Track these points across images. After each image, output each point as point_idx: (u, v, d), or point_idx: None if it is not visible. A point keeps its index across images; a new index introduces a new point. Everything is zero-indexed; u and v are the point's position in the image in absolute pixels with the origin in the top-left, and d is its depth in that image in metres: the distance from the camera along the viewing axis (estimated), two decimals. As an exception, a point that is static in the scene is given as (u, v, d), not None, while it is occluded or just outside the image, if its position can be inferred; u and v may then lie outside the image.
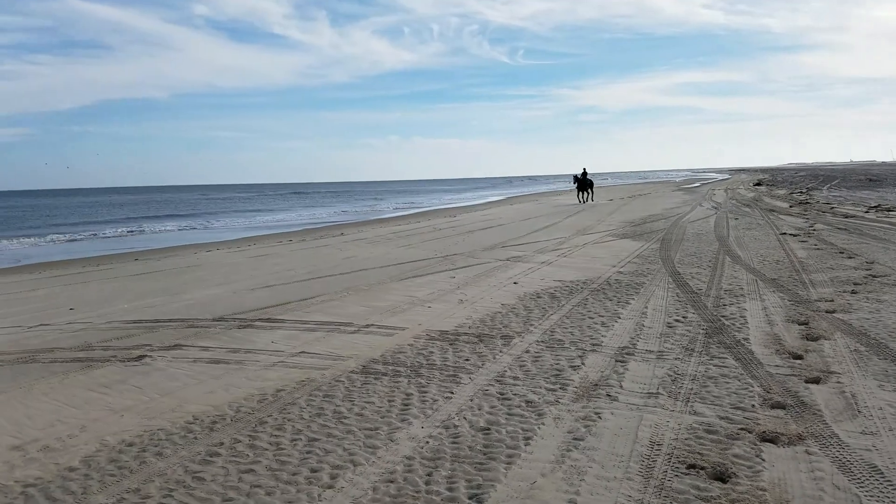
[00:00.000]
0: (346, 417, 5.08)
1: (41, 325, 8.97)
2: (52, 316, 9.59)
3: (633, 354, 6.50)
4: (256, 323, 8.48)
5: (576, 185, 37.88)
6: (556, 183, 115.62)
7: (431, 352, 6.81)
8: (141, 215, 53.14)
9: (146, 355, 7.04)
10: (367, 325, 8.08)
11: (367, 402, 5.39)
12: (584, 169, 37.68)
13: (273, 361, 6.67)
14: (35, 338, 8.17)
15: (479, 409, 5.15)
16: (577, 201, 36.70)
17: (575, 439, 4.57)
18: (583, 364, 6.23)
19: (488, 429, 4.77)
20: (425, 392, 5.58)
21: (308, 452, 4.47)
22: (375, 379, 5.99)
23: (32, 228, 40.66)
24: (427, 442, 4.58)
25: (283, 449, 4.54)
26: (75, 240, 31.31)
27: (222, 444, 4.65)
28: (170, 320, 8.89)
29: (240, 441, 4.69)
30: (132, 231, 35.51)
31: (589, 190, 37.65)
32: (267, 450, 4.53)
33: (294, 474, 4.16)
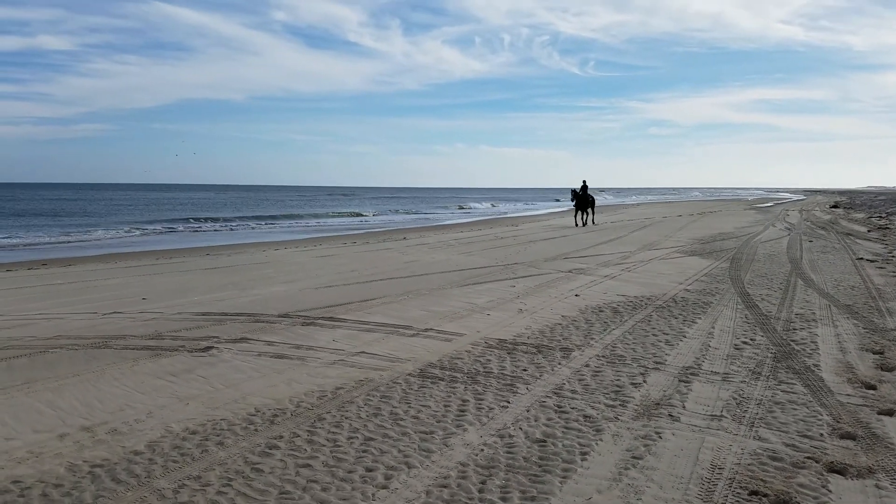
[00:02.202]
0: (402, 419, 5.08)
1: (115, 312, 9.41)
2: (126, 304, 10.05)
3: (697, 375, 6.26)
4: (319, 321, 8.63)
5: (573, 202, 29.57)
6: (623, 196, 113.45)
7: (489, 360, 6.76)
8: (216, 213, 55.29)
9: (213, 347, 7.27)
10: (426, 329, 8.10)
11: (424, 406, 5.38)
12: (585, 182, 29.35)
13: (333, 359, 6.77)
14: (109, 324, 8.57)
15: (536, 421, 5.06)
16: (574, 224, 29.10)
17: (634, 457, 4.43)
18: (644, 382, 6.04)
19: (544, 441, 4.68)
20: (481, 399, 5.54)
21: (364, 451, 4.49)
22: (432, 383, 5.98)
23: (111, 220, 42.98)
24: (482, 450, 4.53)
25: (339, 446, 4.58)
26: (155, 232, 32.86)
27: (281, 437, 4.74)
28: (237, 314, 9.16)
29: (298, 436, 4.76)
30: (205, 226, 36.96)
31: (589, 210, 29.73)
32: (324, 446, 4.58)
33: (349, 472, 4.19)
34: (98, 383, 5.98)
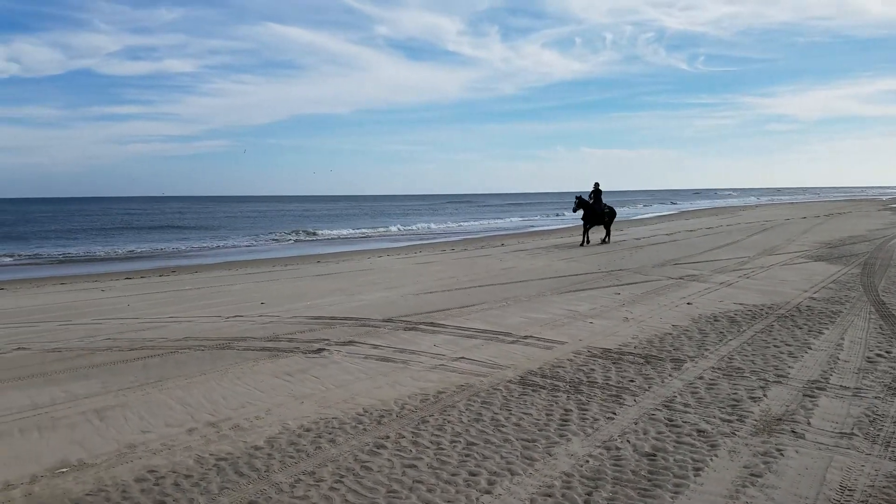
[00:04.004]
0: (503, 426, 5.09)
1: (236, 315, 10.07)
2: (246, 308, 10.73)
3: (824, 389, 5.81)
4: (420, 326, 8.81)
5: (580, 212, 21.95)
6: (739, 197, 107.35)
7: (592, 369, 6.62)
8: (329, 223, 57.90)
9: (324, 349, 7.61)
10: (526, 337, 8.05)
11: (525, 414, 5.35)
12: (597, 185, 22.26)
13: (435, 364, 6.89)
14: (231, 327, 9.19)
15: (645, 434, 4.89)
16: (583, 239, 22.01)
17: (752, 475, 4.18)
18: (765, 396, 5.68)
19: (654, 455, 4.52)
20: (585, 410, 5.43)
21: (466, 456, 4.54)
22: (533, 391, 5.94)
23: (231, 230, 46.10)
24: (587, 461, 4.44)
25: (443, 449, 4.65)
26: (271, 241, 34.93)
27: (388, 437, 4.88)
28: (345, 318, 9.54)
29: (404, 437, 4.89)
30: (317, 235, 38.80)
31: (604, 223, 22.43)
32: (428, 448, 4.68)
33: (453, 475, 4.24)
34: (222, 382, 6.43)
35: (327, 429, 5.10)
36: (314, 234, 39.99)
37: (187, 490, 4.10)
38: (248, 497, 3.99)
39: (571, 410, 5.41)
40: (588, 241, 22.08)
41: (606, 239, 22.83)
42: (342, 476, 4.26)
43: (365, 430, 5.07)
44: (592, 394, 5.83)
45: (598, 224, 22.42)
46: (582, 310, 9.77)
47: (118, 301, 12.14)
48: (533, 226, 43.82)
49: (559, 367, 6.71)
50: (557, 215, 60.62)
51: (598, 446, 4.68)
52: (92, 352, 7.79)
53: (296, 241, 35.54)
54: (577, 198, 22.25)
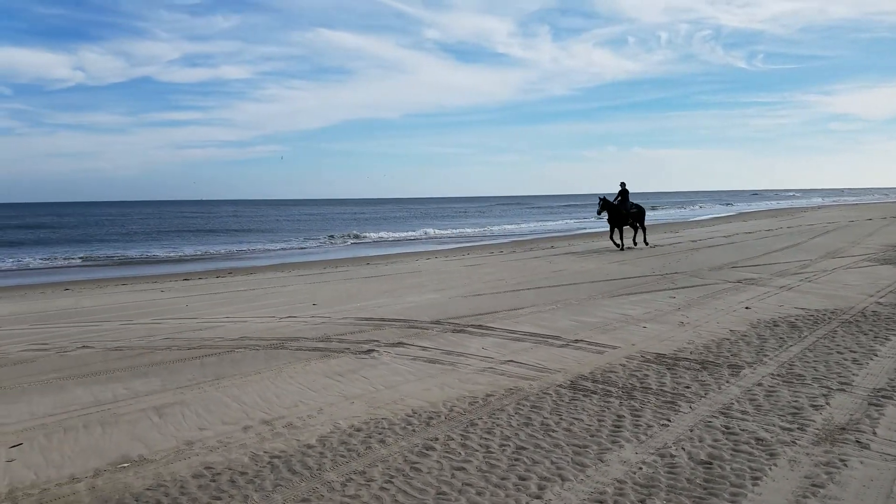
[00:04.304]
0: (553, 431, 5.03)
1: (290, 316, 10.28)
2: (299, 309, 10.94)
3: (891, 398, 5.52)
4: (469, 328, 8.80)
5: (604, 214, 20.52)
6: (799, 198, 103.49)
7: (646, 374, 6.47)
8: (374, 225, 58.57)
9: (374, 350, 7.69)
10: (576, 341, 7.94)
11: (576, 419, 5.28)
12: (624, 186, 20.75)
13: (483, 367, 6.86)
14: (284, 327, 9.38)
15: (700, 441, 4.75)
16: (613, 243, 20.75)
17: (814, 485, 4.01)
18: (827, 404, 5.45)
19: (710, 463, 4.39)
20: (639, 416, 5.31)
21: (516, 460, 4.50)
22: (584, 396, 5.85)
23: (285, 233, 47.17)
24: (640, 468, 4.34)
25: (492, 452, 4.63)
26: (323, 243, 35.57)
27: (437, 439, 4.89)
28: (394, 320, 9.61)
29: (452, 439, 4.89)
30: (366, 238, 39.31)
31: (637, 225, 21.21)
32: (477, 451, 4.66)
33: (503, 479, 4.22)
34: (276, 381, 6.57)
35: (377, 429, 5.15)
36: (363, 236, 40.52)
37: (242, 487, 4.20)
38: (301, 495, 4.06)
39: (624, 416, 5.31)
40: (622, 246, 20.59)
41: (644, 240, 21.40)
42: (392, 476, 4.29)
43: (414, 431, 5.09)
44: (646, 400, 5.70)
45: (624, 224, 20.89)
46: (635, 314, 9.57)
47: (177, 301, 12.57)
48: (584, 228, 43.25)
49: (611, 372, 6.59)
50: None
51: (652, 453, 4.57)
52: (152, 350, 8.08)
53: (345, 243, 36.09)
54: (600, 199, 20.64)
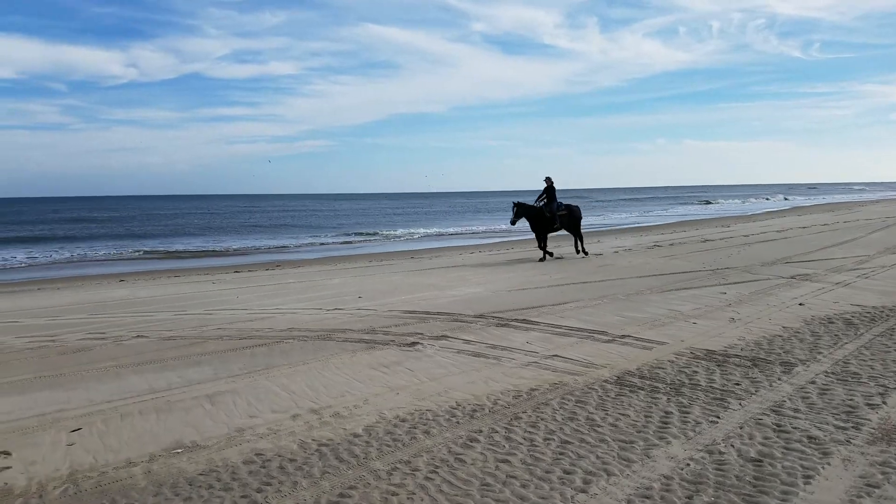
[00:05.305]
0: (599, 426, 4.98)
1: (336, 308, 10.45)
2: (345, 302, 11.10)
3: (960, 401, 5.27)
4: (513, 322, 8.78)
5: (514, 220, 17.46)
6: (858, 192, 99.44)
7: (695, 371, 6.34)
8: (419, 218, 58.91)
9: (418, 342, 7.76)
10: (623, 336, 7.84)
11: (622, 414, 5.22)
12: (549, 180, 17.08)
13: (527, 361, 6.84)
14: (331, 319, 9.54)
15: (750, 439, 4.64)
16: (543, 253, 17.01)
17: (868, 485, 3.87)
18: (884, 403, 5.24)
19: (760, 461, 4.28)
20: (687, 413, 5.22)
21: (561, 454, 4.48)
22: (631, 392, 5.77)
23: (332, 227, 47.90)
24: (688, 464, 4.27)
25: (536, 446, 4.62)
26: (368, 237, 36.00)
27: (481, 431, 4.91)
28: (438, 313, 9.66)
29: (497, 432, 4.90)
30: (411, 232, 39.58)
31: (562, 228, 17.29)
32: (521, 444, 4.66)
33: (547, 472, 4.21)
34: (323, 371, 6.70)
35: (422, 420, 5.20)
36: (409, 231, 40.79)
37: (291, 473, 4.31)
38: (349, 482, 4.14)
39: (672, 413, 5.22)
40: (547, 255, 16.87)
41: (581, 248, 17.40)
42: (437, 467, 4.32)
43: (458, 423, 5.12)
44: (695, 396, 5.59)
45: (551, 230, 17.08)
46: (684, 309, 9.38)
47: (227, 293, 12.92)
48: (636, 222, 42.55)
49: (659, 368, 6.48)
50: (663, 210, 58.52)
51: (700, 450, 4.49)
52: (204, 340, 8.34)
53: (390, 238, 36.41)
54: (514, 204, 17.17)
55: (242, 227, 52.46)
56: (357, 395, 5.89)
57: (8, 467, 4.49)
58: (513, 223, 17.76)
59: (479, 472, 4.22)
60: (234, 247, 31.68)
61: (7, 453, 4.73)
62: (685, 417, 5.11)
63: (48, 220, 64.34)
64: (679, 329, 8.15)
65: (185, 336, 8.65)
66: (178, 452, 4.72)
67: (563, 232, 17.77)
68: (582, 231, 17.91)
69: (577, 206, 17.77)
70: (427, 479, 4.15)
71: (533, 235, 18.01)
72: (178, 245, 33.25)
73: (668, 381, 6.02)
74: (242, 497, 3.99)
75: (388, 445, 4.71)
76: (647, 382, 6.01)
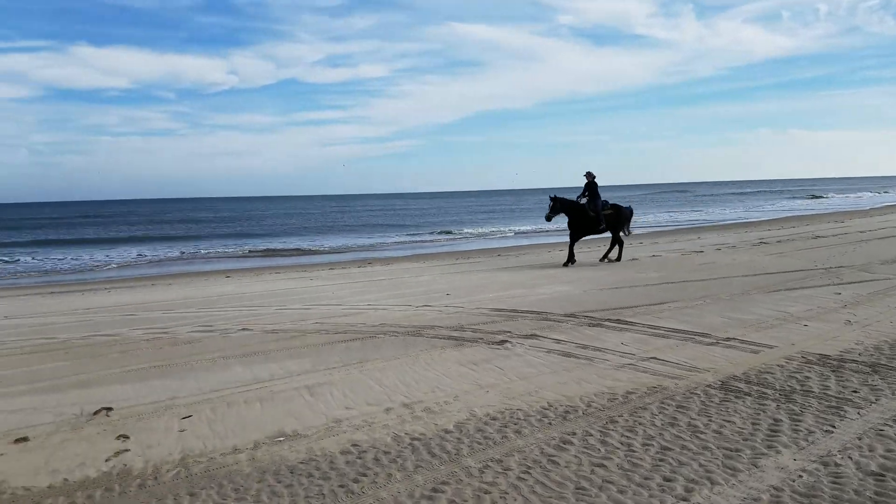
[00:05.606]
0: (701, 432, 4.74)
1: (425, 305, 10.56)
2: (433, 299, 11.21)
3: None
4: (606, 322, 8.54)
5: (550, 218, 15.70)
6: None
7: (807, 377, 5.92)
8: (508, 216, 58.74)
9: (507, 341, 7.70)
10: (727, 339, 7.43)
11: (727, 421, 4.94)
12: (590, 175, 15.70)
13: (623, 363, 6.63)
14: (420, 315, 9.65)
15: (871, 451, 4.27)
16: (569, 258, 15.59)
17: None
18: None
19: (882, 475, 3.93)
20: (798, 421, 4.87)
21: (660, 460, 4.30)
22: (736, 397, 5.46)
23: (419, 225, 48.63)
24: (800, 476, 3.98)
25: (634, 451, 4.46)
26: (453, 235, 36.28)
27: (574, 434, 4.80)
28: (527, 311, 9.56)
29: (591, 435, 4.77)
30: (498, 230, 39.52)
31: (617, 232, 15.91)
32: (618, 448, 4.51)
33: (646, 478, 4.05)
34: (414, 366, 6.78)
35: (512, 419, 5.14)
36: (496, 229, 40.71)
37: (386, 465, 4.38)
38: (441, 477, 4.16)
39: (782, 421, 4.89)
40: (573, 260, 15.48)
41: (615, 255, 15.96)
42: (529, 467, 4.26)
43: (550, 424, 5.03)
44: (807, 404, 5.22)
45: (592, 232, 15.68)
46: (794, 311, 8.79)
47: (323, 289, 13.37)
48: (741, 217, 40.47)
49: (767, 372, 6.10)
50: (769, 205, 55.38)
51: (814, 461, 4.18)
52: (303, 333, 8.66)
53: (477, 235, 36.49)
54: (551, 198, 15.49)
55: (335, 226, 54.30)
56: (447, 392, 5.92)
57: (127, 450, 4.84)
58: (548, 219, 15.77)
59: (574, 476, 4.12)
60: (328, 245, 32.83)
61: (126, 437, 5.10)
62: (796, 426, 4.78)
63: (158, 221, 69.33)
64: (789, 332, 7.65)
65: (285, 329, 9.02)
66: (280, 440, 4.91)
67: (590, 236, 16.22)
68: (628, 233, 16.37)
69: (627, 207, 16.38)
70: (519, 479, 4.10)
71: (649, 232, 17.54)
72: (277, 244, 34.85)
73: (778, 387, 5.65)
74: (340, 486, 4.10)
75: (479, 443, 4.69)
76: (755, 388, 5.67)
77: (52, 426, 5.41)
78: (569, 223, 15.78)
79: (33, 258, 29.62)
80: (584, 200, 15.63)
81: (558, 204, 15.48)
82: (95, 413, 5.69)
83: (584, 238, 15.99)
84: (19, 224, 67.37)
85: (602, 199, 15.76)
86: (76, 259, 28.91)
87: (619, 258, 15.93)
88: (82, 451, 4.84)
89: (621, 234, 16.01)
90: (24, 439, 5.11)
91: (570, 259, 15.66)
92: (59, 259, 29.06)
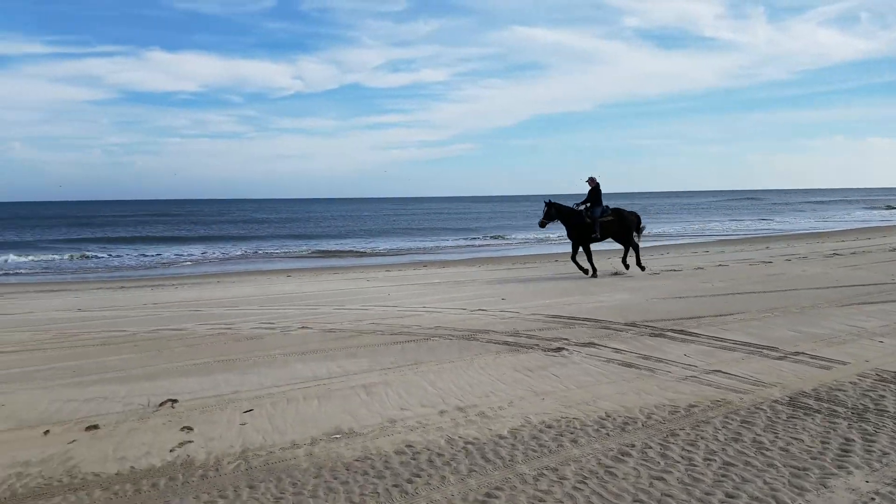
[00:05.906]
0: (767, 449, 4.55)
1: (480, 309, 10.54)
2: (488, 303, 11.17)
3: None
4: (668, 333, 8.31)
5: (543, 224, 14.93)
6: None
7: (882, 395, 5.60)
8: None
9: (564, 348, 7.59)
10: (796, 353, 7.11)
11: (794, 438, 4.72)
12: (594, 180, 14.89)
13: (685, 375, 6.43)
14: (475, 320, 9.63)
15: (956, 479, 4.00)
16: (577, 267, 14.99)
17: None
18: None
19: (971, 507, 3.67)
20: (872, 441, 4.61)
21: (723, 476, 4.14)
22: (805, 414, 5.21)
23: (474, 230, 48.66)
24: (872, 499, 3.77)
25: (695, 466, 4.31)
26: (510, 239, 36.14)
27: (633, 446, 4.68)
28: (584, 319, 9.41)
29: (650, 447, 4.64)
30: (554, 234, 39.12)
31: (633, 240, 15.08)
32: (678, 462, 4.37)
33: (707, 493, 3.90)
34: (468, 370, 6.77)
35: (569, 428, 5.06)
36: (552, 233, 40.27)
37: (439, 468, 4.38)
38: (494, 483, 4.13)
39: (853, 440, 4.64)
40: (592, 270, 14.64)
41: (628, 260, 15.08)
42: (586, 477, 4.18)
43: (608, 434, 4.92)
44: (881, 423, 4.93)
45: (588, 241, 14.71)
46: (869, 326, 8.34)
47: (380, 291, 13.54)
48: (812, 227, 38.81)
49: (839, 389, 5.80)
50: (845, 214, 52.97)
51: (888, 483, 3.94)
52: (360, 333, 8.79)
53: (535, 240, 36.18)
54: (546, 203, 14.74)
55: (393, 229, 54.95)
56: (501, 397, 5.87)
57: (190, 441, 5.01)
58: (542, 225, 14.81)
59: (632, 488, 4.01)
60: (385, 247, 33.26)
61: (190, 428, 5.29)
62: (869, 446, 4.52)
63: (222, 221, 71.79)
64: (862, 348, 7.25)
65: (343, 329, 9.17)
66: (337, 438, 4.99)
67: (599, 245, 15.37)
68: (638, 241, 15.32)
69: (632, 212, 15.44)
70: (575, 488, 4.02)
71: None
72: (336, 245, 35.54)
73: (850, 405, 5.37)
74: (394, 486, 4.13)
75: (534, 450, 4.63)
76: (825, 405, 5.40)
77: (120, 415, 5.67)
78: (568, 233, 15.03)
79: (108, 254, 31.23)
80: (583, 207, 14.86)
81: (553, 209, 14.68)
82: (161, 404, 5.92)
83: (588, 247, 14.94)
84: (90, 221, 71.16)
85: (603, 206, 14.90)
86: (145, 255, 30.30)
87: (626, 265, 15.04)
88: (148, 441, 5.04)
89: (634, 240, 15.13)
90: (95, 427, 5.37)
91: (582, 268, 14.83)
92: (128, 255, 30.53)
